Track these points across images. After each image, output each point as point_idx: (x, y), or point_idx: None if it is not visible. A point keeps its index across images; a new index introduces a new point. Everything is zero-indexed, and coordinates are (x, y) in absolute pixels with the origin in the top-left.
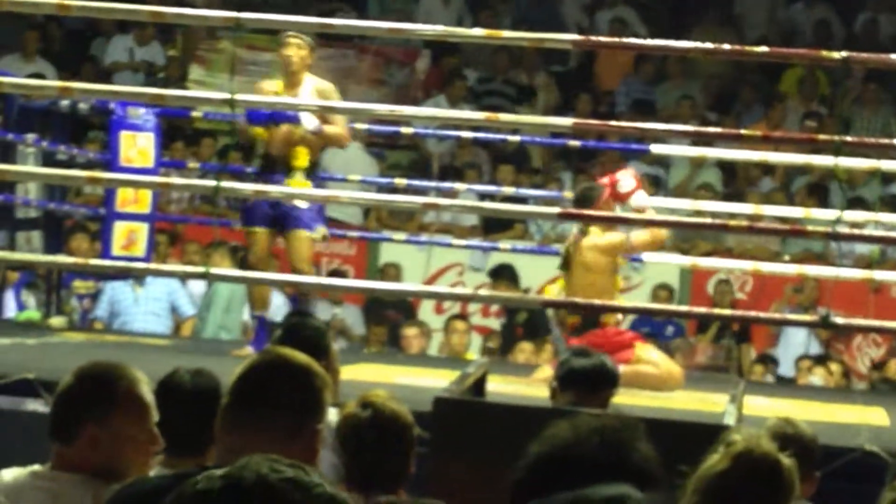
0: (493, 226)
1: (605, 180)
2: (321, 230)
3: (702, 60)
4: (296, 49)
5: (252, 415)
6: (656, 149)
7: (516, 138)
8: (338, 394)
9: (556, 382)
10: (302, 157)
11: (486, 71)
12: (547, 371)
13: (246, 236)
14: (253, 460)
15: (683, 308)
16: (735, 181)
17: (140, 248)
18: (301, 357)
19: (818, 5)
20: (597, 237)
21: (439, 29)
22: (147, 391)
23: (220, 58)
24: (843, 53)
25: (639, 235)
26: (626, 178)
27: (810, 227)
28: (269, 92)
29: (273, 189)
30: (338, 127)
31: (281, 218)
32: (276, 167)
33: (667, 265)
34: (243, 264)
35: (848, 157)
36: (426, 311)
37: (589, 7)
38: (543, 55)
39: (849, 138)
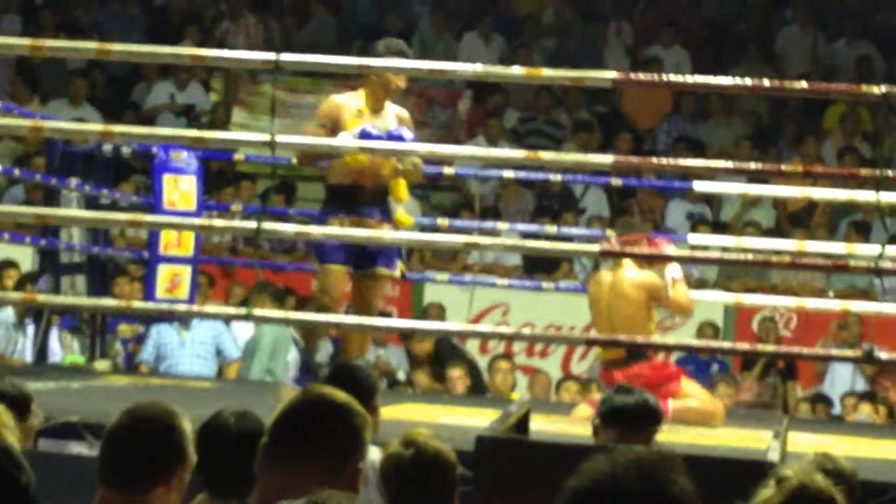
0: (538, 266)
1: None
2: (400, 266)
3: (744, 98)
4: (404, 79)
5: (292, 454)
6: (699, 186)
7: (558, 177)
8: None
9: (599, 420)
10: (404, 190)
11: (529, 111)
12: (586, 410)
13: (320, 276)
14: (333, 494)
15: (727, 345)
16: (785, 220)
17: (183, 291)
18: (340, 395)
19: (859, 42)
20: (633, 271)
21: (479, 68)
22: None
23: (262, 101)
24: (883, 88)
25: (675, 294)
26: (667, 248)
27: (853, 263)
28: (352, 109)
29: (313, 230)
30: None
31: (365, 254)
32: (371, 200)
33: (711, 303)
34: (301, 306)
35: (890, 191)
36: (471, 351)
37: (632, 48)
38: (586, 95)
39: (890, 173)
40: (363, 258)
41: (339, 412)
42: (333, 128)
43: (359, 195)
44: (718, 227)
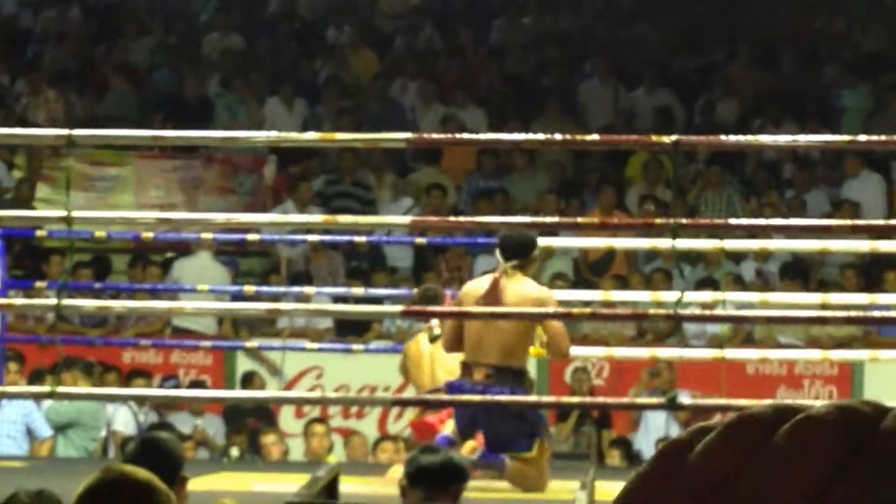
0: (349, 328)
1: None
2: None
3: (547, 151)
4: None
5: None
6: None
7: (362, 239)
8: None
9: (406, 480)
10: None
11: (334, 174)
12: (400, 470)
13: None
14: None
15: (533, 398)
16: (585, 269)
17: None
18: (142, 473)
19: (659, 91)
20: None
21: (272, 135)
22: None
23: (66, 176)
24: (674, 137)
25: None
26: None
27: (652, 311)
28: None
29: (116, 304)
30: None
31: None
32: None
33: None
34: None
35: (692, 238)
36: (287, 416)
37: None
38: (391, 156)
39: (684, 220)
40: None
41: (142, 490)
42: None
43: None
44: None
